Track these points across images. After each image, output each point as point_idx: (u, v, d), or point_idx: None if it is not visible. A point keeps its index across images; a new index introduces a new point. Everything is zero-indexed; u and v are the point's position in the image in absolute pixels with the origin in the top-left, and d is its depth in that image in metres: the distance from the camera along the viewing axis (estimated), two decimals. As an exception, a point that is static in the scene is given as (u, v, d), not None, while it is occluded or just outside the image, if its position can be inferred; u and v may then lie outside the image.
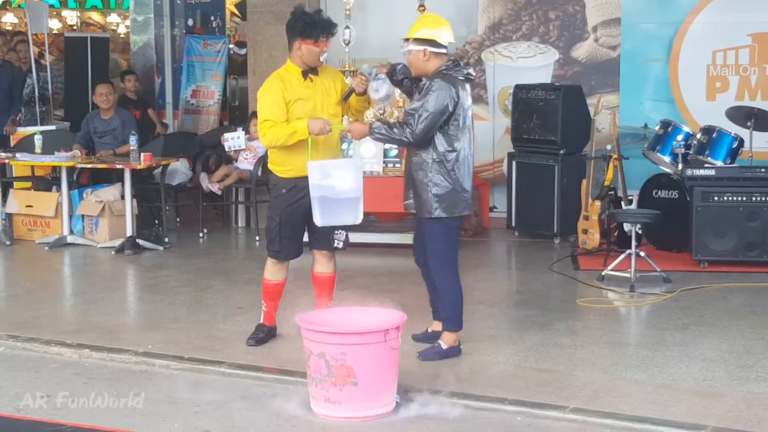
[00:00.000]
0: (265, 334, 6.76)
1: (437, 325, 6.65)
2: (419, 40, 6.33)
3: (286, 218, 6.55)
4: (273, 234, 6.62)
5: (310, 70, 6.51)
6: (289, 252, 6.65)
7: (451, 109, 6.21)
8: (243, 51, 13.67)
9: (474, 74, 6.63)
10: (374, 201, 8.43)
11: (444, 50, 6.38)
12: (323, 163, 6.29)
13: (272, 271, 6.71)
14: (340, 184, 6.20)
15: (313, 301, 6.79)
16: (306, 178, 6.32)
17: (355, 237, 8.96)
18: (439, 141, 6.26)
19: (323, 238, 6.60)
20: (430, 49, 6.31)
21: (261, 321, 6.83)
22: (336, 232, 6.58)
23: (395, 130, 6.23)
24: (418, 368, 6.21)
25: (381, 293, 6.74)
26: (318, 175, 6.19)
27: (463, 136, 6.33)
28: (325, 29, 6.47)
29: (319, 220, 6.28)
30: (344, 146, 9.57)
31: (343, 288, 6.83)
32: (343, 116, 6.68)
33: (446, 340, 6.49)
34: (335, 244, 6.65)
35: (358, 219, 6.37)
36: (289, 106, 6.41)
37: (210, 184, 10.84)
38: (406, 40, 6.42)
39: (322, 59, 6.52)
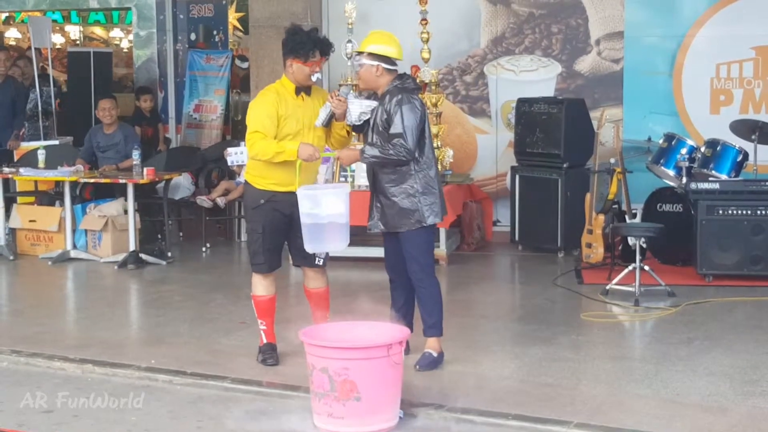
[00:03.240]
0: (276, 351, 6.70)
1: None
2: (373, 56, 6.42)
3: (269, 228, 6.53)
4: (257, 246, 6.57)
5: (303, 89, 6.52)
6: (272, 263, 6.61)
7: (425, 118, 6.38)
8: (245, 65, 13.67)
9: (419, 84, 6.75)
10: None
11: (395, 67, 6.49)
12: (314, 192, 6.28)
13: (263, 286, 6.65)
14: (335, 211, 6.20)
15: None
16: (285, 193, 6.36)
17: (355, 251, 8.97)
18: (419, 152, 6.36)
19: (307, 254, 6.56)
20: (383, 65, 6.42)
21: (265, 340, 6.73)
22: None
23: (391, 151, 6.27)
24: (421, 383, 6.19)
25: (383, 307, 6.71)
26: (309, 203, 6.18)
27: (431, 143, 6.49)
28: (316, 48, 6.46)
29: (309, 247, 6.27)
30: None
31: (346, 302, 6.82)
32: (324, 145, 6.61)
33: (435, 347, 6.55)
34: (317, 261, 6.63)
35: (345, 246, 6.36)
36: (280, 121, 6.40)
37: (210, 199, 10.83)
38: (360, 53, 6.51)
39: (313, 78, 6.49)
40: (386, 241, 6.64)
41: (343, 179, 9.63)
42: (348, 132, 6.62)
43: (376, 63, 6.41)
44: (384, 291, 6.83)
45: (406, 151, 6.24)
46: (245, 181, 6.67)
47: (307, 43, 6.45)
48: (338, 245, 6.32)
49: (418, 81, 6.61)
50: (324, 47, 6.53)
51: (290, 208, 6.35)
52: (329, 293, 6.79)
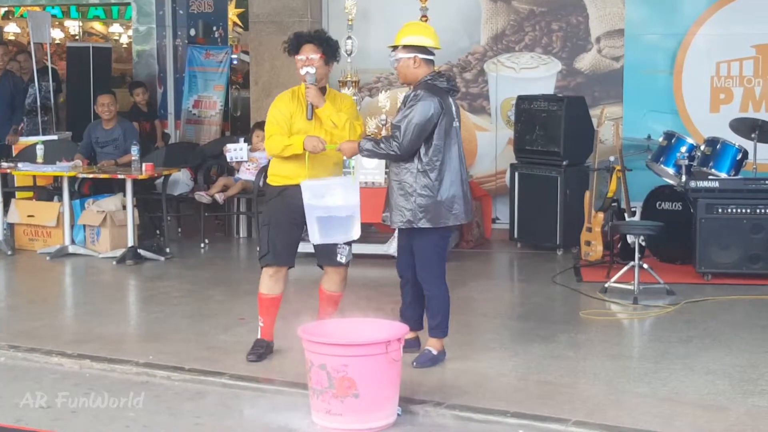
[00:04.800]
0: (264, 349, 6.69)
1: (410, 334, 6.63)
2: (408, 47, 6.35)
3: (274, 221, 6.54)
4: (263, 238, 6.62)
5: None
6: (277, 257, 6.55)
7: (436, 119, 6.24)
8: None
9: (458, 87, 6.65)
10: (375, 212, 8.39)
11: (432, 57, 6.43)
12: (317, 183, 6.29)
13: (268, 285, 6.63)
14: (334, 203, 6.21)
15: (314, 312, 6.75)
16: (295, 186, 6.37)
17: (356, 248, 8.95)
18: (424, 151, 6.28)
19: (325, 252, 6.58)
20: (420, 56, 6.36)
21: (259, 336, 6.75)
22: (339, 246, 6.55)
23: (382, 145, 6.25)
24: (419, 380, 6.18)
25: (382, 304, 6.71)
26: (310, 194, 6.21)
27: (448, 147, 6.33)
28: (299, 43, 6.48)
29: (317, 238, 6.28)
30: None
31: (345, 299, 6.81)
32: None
33: (435, 346, 6.54)
34: (338, 258, 6.60)
35: (353, 236, 6.38)
36: (291, 117, 6.46)
37: (208, 195, 10.82)
38: (394, 48, 6.42)
39: (302, 72, 6.46)
40: (400, 238, 6.62)
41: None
42: (334, 123, 6.51)
43: (412, 55, 6.34)
44: (384, 287, 6.83)
45: (397, 146, 6.19)
46: (266, 183, 6.73)
47: (293, 38, 6.54)
48: (344, 236, 6.33)
49: (445, 79, 6.51)
50: (313, 40, 6.48)
51: (301, 201, 6.35)
52: (340, 300, 6.78)
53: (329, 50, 6.54)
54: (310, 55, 6.45)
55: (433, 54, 6.43)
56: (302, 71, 6.46)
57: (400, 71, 6.43)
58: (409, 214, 6.32)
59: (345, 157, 6.69)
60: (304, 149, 6.34)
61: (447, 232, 6.52)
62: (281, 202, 6.53)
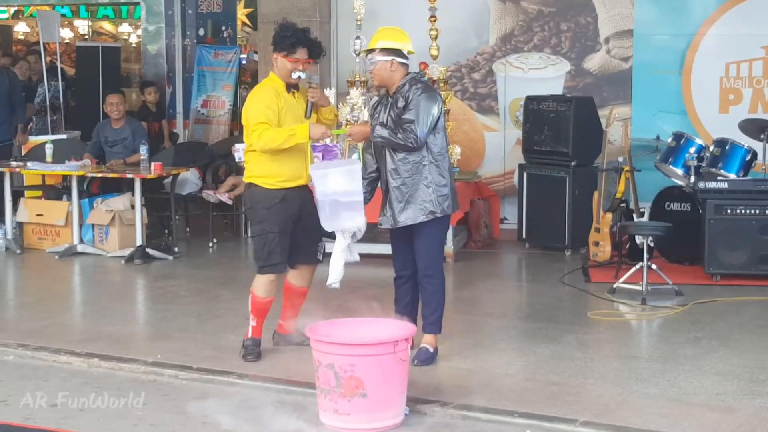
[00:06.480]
0: (258, 347, 6.69)
1: None
2: (386, 51, 6.43)
3: (285, 229, 6.52)
4: (272, 246, 6.49)
5: (292, 86, 6.55)
6: (286, 264, 6.62)
7: (440, 110, 6.40)
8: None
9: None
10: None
11: (407, 61, 6.51)
12: (326, 170, 6.32)
13: (268, 289, 6.59)
14: (342, 187, 6.27)
15: (318, 312, 6.72)
16: (296, 188, 6.44)
17: (363, 248, 8.96)
18: (432, 142, 6.39)
19: (309, 250, 6.63)
20: (396, 59, 6.43)
21: (250, 335, 6.67)
22: (318, 244, 6.64)
23: (399, 135, 6.30)
24: (427, 380, 6.18)
25: (390, 304, 6.70)
26: (324, 181, 6.26)
27: (446, 138, 6.53)
28: (299, 45, 6.47)
29: (328, 225, 6.31)
30: (355, 155, 9.57)
31: (352, 299, 6.81)
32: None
33: (432, 343, 6.58)
34: (319, 256, 6.70)
35: (363, 220, 6.40)
36: (280, 114, 6.43)
37: (219, 194, 10.83)
38: (370, 51, 6.48)
39: (294, 76, 6.49)
40: (396, 238, 6.62)
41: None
42: (335, 115, 6.66)
43: (389, 58, 6.42)
44: (390, 287, 6.80)
45: (414, 138, 6.26)
46: (250, 183, 6.60)
47: (289, 38, 6.48)
48: (358, 220, 6.33)
49: (426, 78, 6.66)
50: (311, 46, 6.53)
51: (300, 202, 6.39)
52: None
53: (317, 54, 6.62)
54: (303, 58, 6.49)
55: (407, 58, 6.50)
56: (294, 75, 6.48)
57: (376, 74, 6.49)
58: (430, 205, 6.38)
59: (354, 142, 6.76)
60: (309, 138, 6.35)
61: (447, 220, 6.63)
62: (284, 209, 6.49)
